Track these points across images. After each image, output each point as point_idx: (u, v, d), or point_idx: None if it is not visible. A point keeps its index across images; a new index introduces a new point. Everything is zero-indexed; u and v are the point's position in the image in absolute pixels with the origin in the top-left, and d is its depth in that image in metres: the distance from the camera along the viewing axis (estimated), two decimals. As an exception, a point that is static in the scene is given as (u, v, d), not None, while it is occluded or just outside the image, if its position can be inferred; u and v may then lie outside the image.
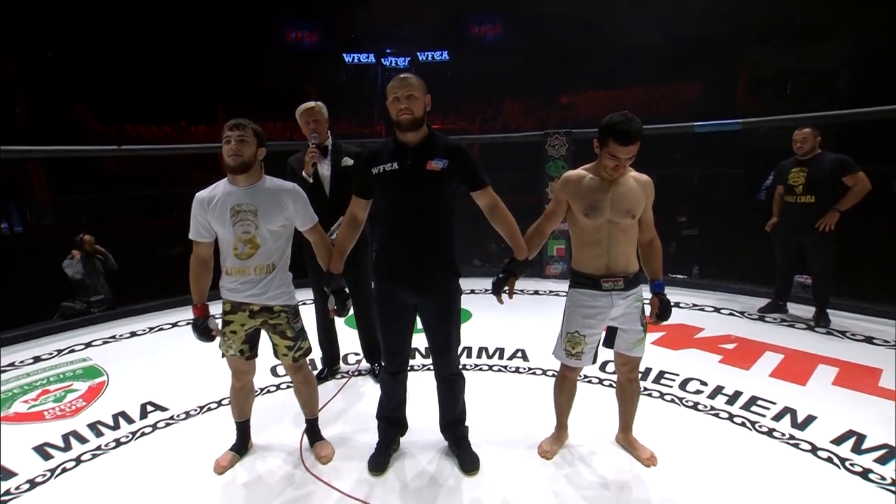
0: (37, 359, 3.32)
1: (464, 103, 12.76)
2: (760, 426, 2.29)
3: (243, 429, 2.16)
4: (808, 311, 3.64)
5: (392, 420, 2.12)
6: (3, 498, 1.95)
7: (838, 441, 2.15)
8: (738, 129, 4.28)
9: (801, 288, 4.00)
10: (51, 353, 3.40)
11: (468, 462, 2.03)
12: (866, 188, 3.23)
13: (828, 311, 3.49)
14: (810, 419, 2.32)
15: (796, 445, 2.14)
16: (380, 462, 2.05)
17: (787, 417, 2.35)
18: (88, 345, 3.55)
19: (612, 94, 11.64)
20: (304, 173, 2.54)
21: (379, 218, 1.92)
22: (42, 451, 2.26)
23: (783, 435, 2.22)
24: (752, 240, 3.95)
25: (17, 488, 2.01)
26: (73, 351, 3.45)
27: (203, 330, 1.88)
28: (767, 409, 2.43)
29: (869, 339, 3.22)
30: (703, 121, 4.39)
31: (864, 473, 1.95)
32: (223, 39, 12.45)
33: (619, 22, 10.75)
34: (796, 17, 9.48)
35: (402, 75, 1.78)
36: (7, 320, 3.91)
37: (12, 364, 3.23)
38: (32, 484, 2.03)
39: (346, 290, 1.98)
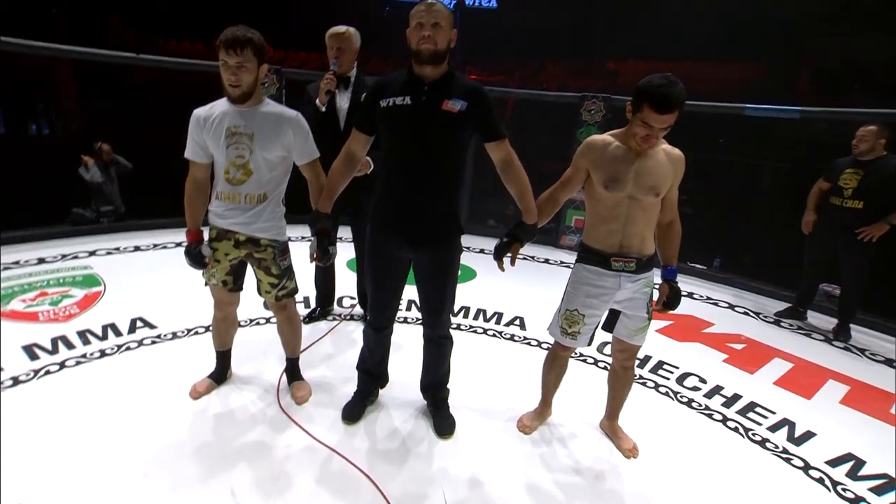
0: (41, 261, 3.36)
1: (505, 56, 12.13)
2: (754, 434, 2.18)
3: (223, 358, 2.14)
4: (828, 322, 3.43)
5: (373, 373, 2.06)
6: (-15, 390, 1.98)
7: (834, 463, 2.03)
8: (797, 117, 3.91)
9: (826, 297, 3.77)
10: (55, 257, 3.43)
11: (444, 425, 1.98)
12: None
13: (851, 326, 3.29)
14: (809, 435, 2.20)
15: (788, 460, 2.03)
16: (354, 412, 2.01)
17: (785, 429, 2.22)
18: (92, 253, 3.57)
19: (662, 65, 10.89)
20: (317, 101, 2.39)
21: (382, 159, 1.77)
22: (30, 350, 2.29)
23: (776, 447, 2.10)
24: (785, 238, 3.69)
25: (-1, 382, 2.04)
26: (76, 258, 3.47)
27: (196, 256, 1.80)
28: (765, 417, 2.31)
29: (889, 362, 3.02)
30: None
31: (856, 501, 1.83)
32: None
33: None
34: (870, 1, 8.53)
35: (429, 0, 1.58)
36: (21, 220, 3.96)
37: (17, 262, 3.27)
38: (15, 381, 2.06)
39: (332, 233, 1.85)
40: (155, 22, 10.66)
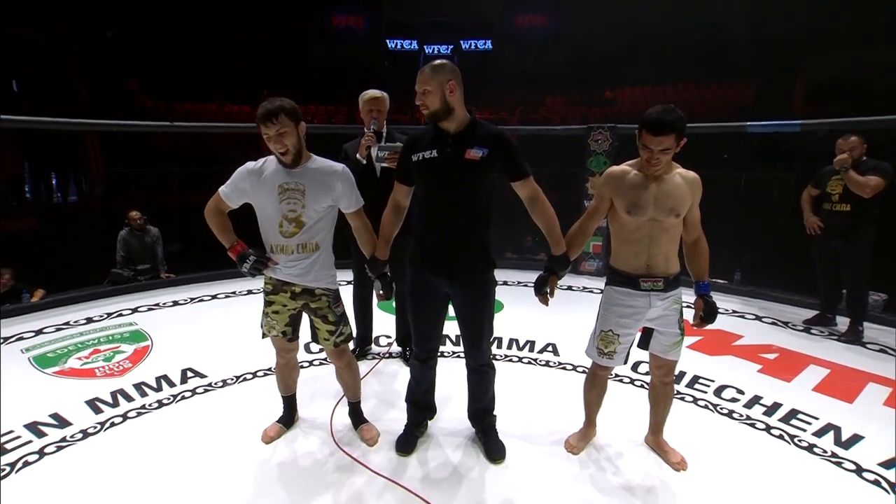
0: (89, 320, 3.53)
1: (504, 94, 12.60)
2: (800, 440, 2.20)
3: (290, 402, 2.22)
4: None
5: (421, 404, 2.15)
6: (60, 444, 2.10)
7: (888, 464, 2.04)
8: (797, 130, 4.06)
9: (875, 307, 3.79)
10: (101, 316, 3.60)
11: (494, 450, 2.04)
12: (877, 186, 3.06)
13: (863, 325, 3.32)
14: (856, 438, 2.21)
15: (839, 464, 2.05)
16: (408, 444, 2.08)
17: (831, 434, 2.24)
18: (135, 310, 3.74)
19: (658, 90, 11.24)
20: (357, 155, 2.61)
21: (417, 205, 1.93)
22: (93, 405, 2.41)
23: (825, 452, 2.12)
24: (801, 246, 3.75)
25: (71, 436, 2.16)
26: (120, 315, 3.64)
27: (254, 260, 1.87)
28: (809, 423, 2.33)
29: (925, 361, 3.03)
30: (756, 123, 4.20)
31: (914, 499, 1.85)
32: (271, 22, 12.71)
33: (669, 17, 10.37)
34: (862, 17, 8.83)
35: (422, 68, 1.76)
36: (61, 283, 4.19)
37: (67, 323, 3.45)
38: (85, 434, 2.18)
39: (389, 274, 2.00)
40: (170, 87, 11.32)
